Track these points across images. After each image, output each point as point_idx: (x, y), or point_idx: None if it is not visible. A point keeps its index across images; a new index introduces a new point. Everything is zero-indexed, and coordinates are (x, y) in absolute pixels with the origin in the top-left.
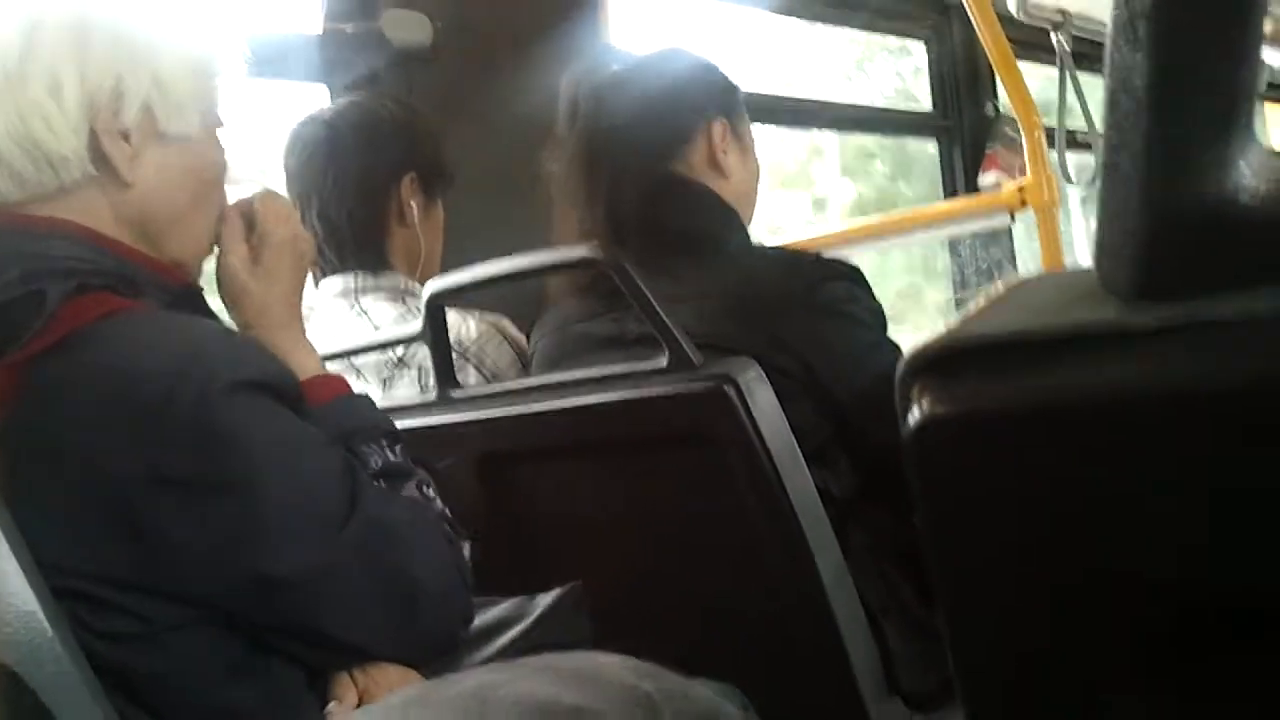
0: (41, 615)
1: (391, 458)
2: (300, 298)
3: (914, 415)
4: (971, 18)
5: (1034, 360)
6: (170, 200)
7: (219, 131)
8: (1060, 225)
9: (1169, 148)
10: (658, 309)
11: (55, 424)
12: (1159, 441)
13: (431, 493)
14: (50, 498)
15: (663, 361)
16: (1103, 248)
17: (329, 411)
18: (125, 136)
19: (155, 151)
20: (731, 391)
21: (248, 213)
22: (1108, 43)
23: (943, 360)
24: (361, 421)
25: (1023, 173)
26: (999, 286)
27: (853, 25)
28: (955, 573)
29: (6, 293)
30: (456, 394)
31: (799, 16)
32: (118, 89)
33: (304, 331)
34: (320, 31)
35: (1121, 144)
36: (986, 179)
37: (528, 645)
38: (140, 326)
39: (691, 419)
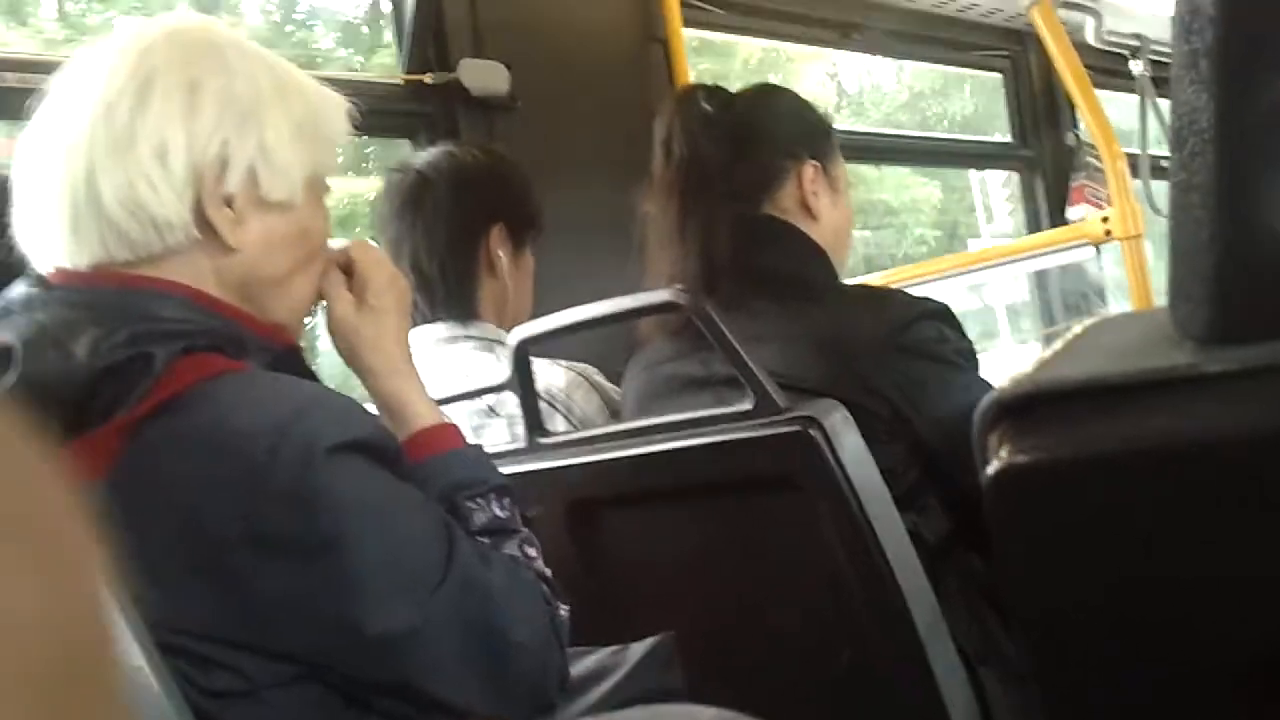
0: (149, 672)
1: (499, 513)
2: (408, 340)
3: (993, 463)
4: (1047, 47)
5: (1111, 406)
6: (273, 265)
7: (324, 199)
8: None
9: (1238, 187)
10: (741, 352)
11: (160, 483)
12: (1237, 486)
13: (533, 552)
14: (156, 556)
15: (748, 405)
16: (1176, 290)
17: (440, 463)
18: (229, 202)
19: (258, 217)
20: (817, 434)
21: (343, 262)
22: (1172, 82)
23: (1020, 407)
24: (471, 475)
25: (1110, 203)
26: (1075, 330)
27: (929, 59)
28: (1037, 618)
29: (115, 355)
30: (544, 441)
31: (875, 53)
32: (223, 155)
33: (418, 378)
34: (400, 84)
35: (1190, 184)
36: (1075, 213)
37: (623, 697)
38: (243, 388)
39: (777, 462)
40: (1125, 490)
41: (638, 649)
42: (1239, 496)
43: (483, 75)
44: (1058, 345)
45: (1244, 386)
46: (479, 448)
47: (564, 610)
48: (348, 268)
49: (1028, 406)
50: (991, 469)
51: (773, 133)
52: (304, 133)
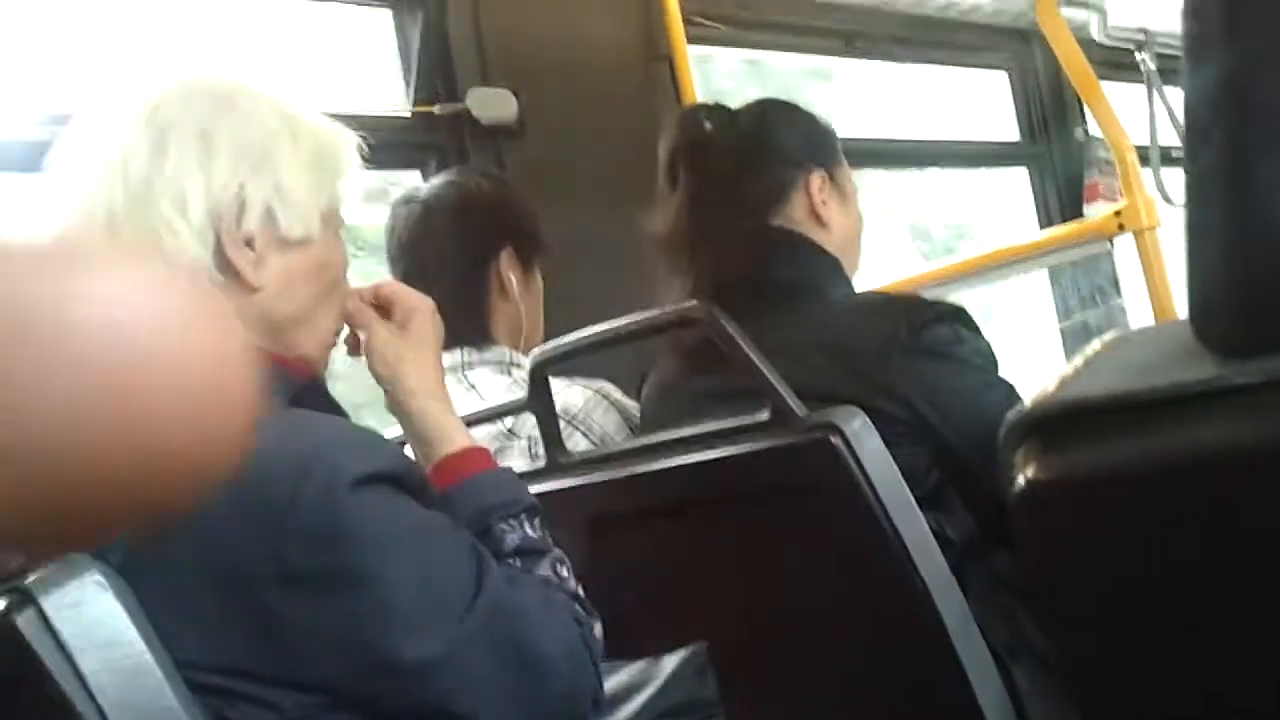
0: (180, 710)
1: (530, 533)
2: (442, 367)
3: (1020, 480)
4: (1053, 47)
5: (1136, 422)
6: (294, 301)
7: (340, 231)
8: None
9: (1253, 199)
10: (758, 363)
11: (189, 524)
12: (1265, 498)
13: (565, 572)
14: (183, 596)
15: (765, 415)
16: (1196, 303)
17: (473, 486)
18: (249, 243)
19: (278, 255)
20: (837, 441)
21: (373, 300)
22: (1184, 67)
23: (1045, 424)
24: (503, 497)
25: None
26: (1097, 345)
27: (932, 61)
28: (1068, 627)
29: None
30: (565, 460)
31: (878, 58)
32: (240, 198)
33: (452, 403)
34: (408, 115)
35: (1204, 197)
36: (1093, 210)
37: (659, 710)
38: (262, 427)
39: (798, 471)
40: (1154, 505)
41: (670, 661)
42: (1267, 508)
43: (491, 103)
44: (1079, 361)
45: (1271, 398)
46: (509, 470)
47: (598, 628)
48: (379, 303)
49: (1053, 423)
50: (1019, 486)
51: (777, 145)
52: (317, 169)
